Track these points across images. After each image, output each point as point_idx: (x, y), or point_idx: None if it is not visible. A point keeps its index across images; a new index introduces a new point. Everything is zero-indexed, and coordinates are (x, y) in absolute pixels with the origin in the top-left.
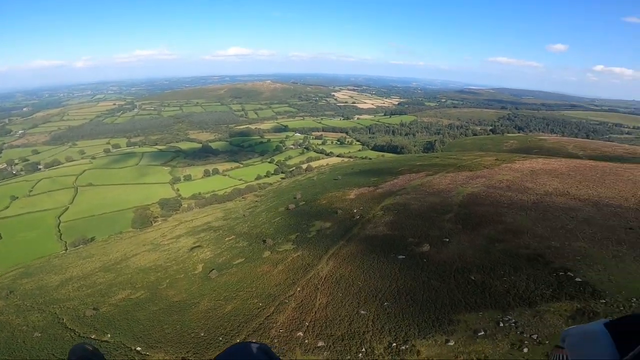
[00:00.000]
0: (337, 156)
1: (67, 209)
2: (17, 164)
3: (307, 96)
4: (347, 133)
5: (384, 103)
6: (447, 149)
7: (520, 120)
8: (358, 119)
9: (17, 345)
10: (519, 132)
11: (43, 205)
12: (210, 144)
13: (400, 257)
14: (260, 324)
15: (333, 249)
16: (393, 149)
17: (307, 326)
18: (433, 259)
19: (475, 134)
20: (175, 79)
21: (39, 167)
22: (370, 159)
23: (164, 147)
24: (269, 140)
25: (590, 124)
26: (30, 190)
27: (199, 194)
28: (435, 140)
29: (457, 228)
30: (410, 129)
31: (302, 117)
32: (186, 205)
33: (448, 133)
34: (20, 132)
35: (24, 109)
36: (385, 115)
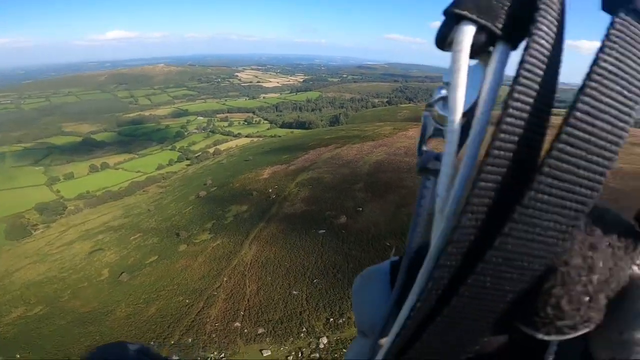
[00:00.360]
0: (246, 137)
1: None
2: None
3: (208, 78)
4: (254, 113)
5: (289, 81)
6: (351, 121)
7: (410, 91)
8: (264, 98)
9: None
10: (409, 103)
11: None
12: (92, 136)
13: (321, 231)
14: (193, 321)
15: (254, 232)
16: (301, 125)
17: (243, 315)
18: (351, 230)
19: (374, 106)
20: (35, 67)
21: None
22: (279, 136)
23: (30, 144)
24: (167, 126)
25: None
26: None
27: (87, 192)
28: (340, 114)
29: (367, 197)
30: (316, 104)
31: (204, 100)
32: (73, 208)
33: (351, 107)
34: None
35: None
36: (291, 92)
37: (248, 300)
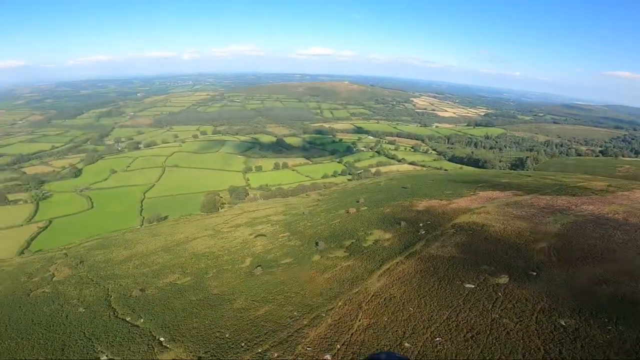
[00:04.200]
0: (410, 163)
1: (153, 186)
2: (123, 142)
3: (384, 100)
4: (422, 141)
5: (467, 113)
6: (542, 168)
7: (638, 143)
8: (437, 127)
9: (59, 319)
10: (636, 157)
11: (135, 181)
12: (284, 138)
13: (468, 286)
14: (289, 336)
15: (388, 264)
16: (474, 163)
17: (338, 349)
18: (511, 294)
19: (579, 154)
20: (260, 74)
21: (140, 146)
22: (445, 170)
23: (243, 137)
24: (341, 140)
25: None
26: (128, 166)
27: (266, 185)
28: (527, 157)
29: (550, 261)
30: (496, 142)
31: (377, 121)
32: (252, 195)
33: (544, 150)
34: (131, 114)
35: (138, 95)
36: (468, 125)
37: (352, 334)
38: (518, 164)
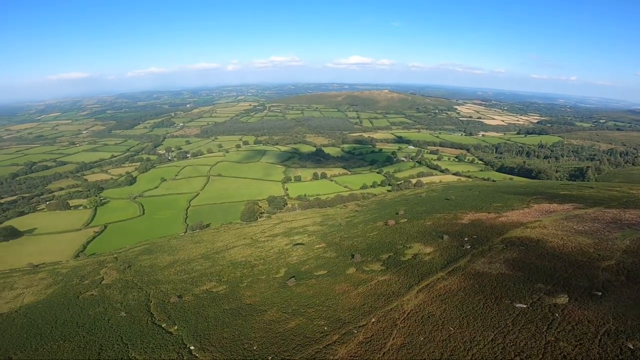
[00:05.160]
0: (454, 174)
1: (197, 194)
2: (173, 151)
3: (426, 108)
4: (468, 150)
5: (518, 120)
6: (606, 178)
7: None
8: (483, 135)
9: (101, 323)
10: None
11: (182, 189)
12: (323, 148)
13: (519, 305)
14: (317, 352)
15: (428, 279)
16: (526, 173)
17: None
18: (571, 315)
19: None
20: (300, 84)
21: (187, 155)
22: (494, 181)
23: (283, 147)
24: (380, 150)
25: None
26: (176, 175)
27: (304, 195)
28: (588, 167)
29: (618, 280)
30: (552, 151)
31: (418, 130)
32: (290, 205)
33: (607, 160)
34: (180, 124)
35: (187, 105)
36: (518, 134)
37: (384, 354)
38: (577, 175)
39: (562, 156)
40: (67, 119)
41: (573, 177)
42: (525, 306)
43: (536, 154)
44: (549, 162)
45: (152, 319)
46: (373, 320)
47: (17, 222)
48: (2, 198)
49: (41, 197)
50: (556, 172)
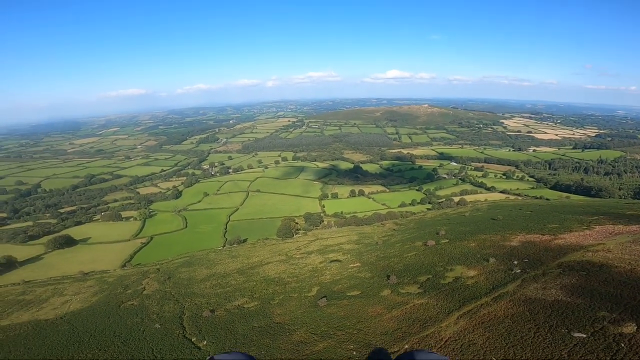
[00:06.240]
0: (501, 192)
1: (237, 209)
2: (216, 166)
3: (469, 122)
4: (517, 167)
5: (573, 134)
6: None
7: None
8: (534, 151)
9: (137, 334)
10: None
11: (222, 204)
12: (361, 165)
13: (578, 335)
14: None
15: (470, 305)
16: (584, 191)
17: None
18: (638, 345)
19: None
20: (338, 100)
21: (229, 170)
22: (547, 199)
23: (321, 163)
24: (420, 167)
25: None
26: (218, 190)
27: (341, 213)
28: None
29: None
30: (613, 167)
31: (461, 145)
32: (326, 222)
33: None
34: (224, 140)
35: (230, 121)
36: (575, 148)
37: None
38: None
39: (626, 172)
40: (124, 134)
41: (638, 195)
42: (585, 336)
43: (595, 170)
44: (610, 178)
45: (183, 332)
46: (406, 347)
47: (74, 231)
48: (63, 208)
49: (97, 208)
50: (619, 189)
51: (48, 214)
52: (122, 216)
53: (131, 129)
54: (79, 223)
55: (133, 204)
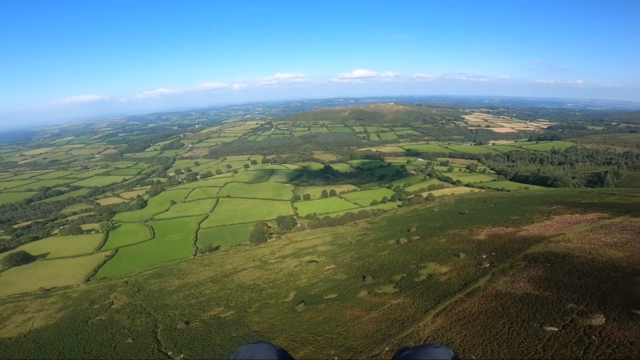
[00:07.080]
0: (465, 185)
1: (207, 216)
2: (182, 173)
3: (433, 119)
4: (479, 160)
5: (527, 127)
6: (625, 183)
7: None
8: (493, 144)
9: (108, 350)
10: None
11: (191, 212)
12: (331, 165)
13: (550, 329)
14: None
15: (446, 302)
16: (541, 181)
17: None
18: (610, 337)
19: None
20: (306, 100)
21: (197, 177)
22: (508, 191)
23: (292, 165)
24: (389, 164)
25: None
26: (186, 197)
27: (314, 214)
28: (606, 171)
29: None
30: (566, 157)
31: (427, 141)
32: (299, 225)
33: (625, 163)
34: (190, 145)
35: (196, 126)
36: (530, 140)
37: None
38: (595, 180)
39: (577, 161)
40: (80, 143)
41: (591, 183)
42: (556, 329)
43: (550, 160)
44: (564, 168)
45: (158, 347)
46: (387, 349)
47: (31, 247)
48: (17, 223)
49: (55, 222)
50: (573, 178)
51: (1, 230)
52: (83, 229)
53: (87, 137)
54: (35, 238)
55: (94, 215)
